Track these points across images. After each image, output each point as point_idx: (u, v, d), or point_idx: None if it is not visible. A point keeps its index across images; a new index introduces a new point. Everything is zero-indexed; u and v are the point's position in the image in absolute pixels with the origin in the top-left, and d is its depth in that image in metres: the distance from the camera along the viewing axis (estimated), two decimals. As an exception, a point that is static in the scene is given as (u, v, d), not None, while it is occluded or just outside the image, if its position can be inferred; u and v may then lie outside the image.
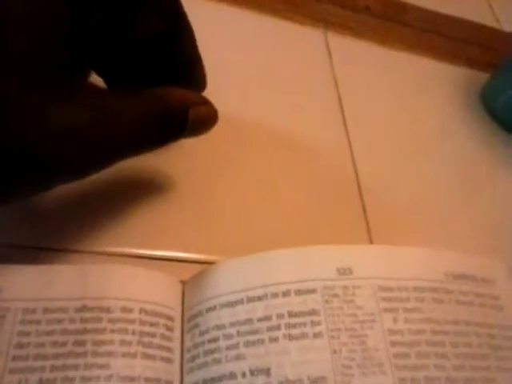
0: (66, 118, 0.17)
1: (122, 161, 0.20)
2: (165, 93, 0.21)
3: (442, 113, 0.37)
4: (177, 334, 0.21)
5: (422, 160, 0.33)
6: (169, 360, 0.20)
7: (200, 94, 0.23)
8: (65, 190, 0.24)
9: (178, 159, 0.28)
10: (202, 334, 0.21)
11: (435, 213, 0.31)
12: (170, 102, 0.21)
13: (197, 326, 0.21)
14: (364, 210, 0.29)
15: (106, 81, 0.23)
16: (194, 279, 0.23)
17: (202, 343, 0.20)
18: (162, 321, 0.21)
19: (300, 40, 0.38)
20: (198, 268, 0.23)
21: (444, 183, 0.33)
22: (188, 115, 0.21)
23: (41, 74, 0.17)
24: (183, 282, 0.23)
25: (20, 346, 0.19)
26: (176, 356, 0.21)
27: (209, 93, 0.31)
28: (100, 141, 0.18)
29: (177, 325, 0.21)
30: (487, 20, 0.45)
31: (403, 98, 0.37)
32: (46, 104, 0.17)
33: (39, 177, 0.18)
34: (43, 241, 0.23)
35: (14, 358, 0.18)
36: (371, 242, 0.28)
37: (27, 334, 0.19)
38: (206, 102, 0.22)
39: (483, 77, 0.39)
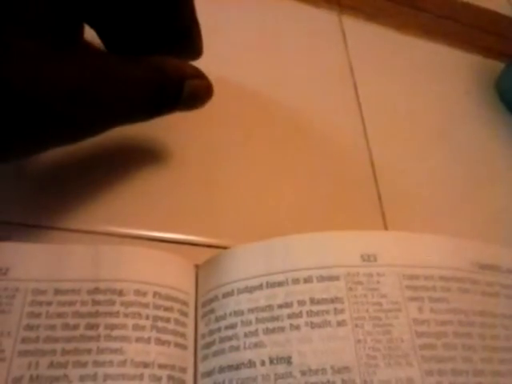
0: (64, 71, 0.16)
1: (114, 127, 0.19)
2: (162, 62, 0.20)
3: (457, 100, 0.36)
4: (191, 319, 0.20)
5: (436, 147, 0.33)
6: (183, 346, 0.20)
7: (196, 67, 0.22)
8: (77, 170, 0.24)
9: (193, 145, 0.27)
10: (217, 319, 0.20)
11: (450, 200, 0.30)
12: (167, 72, 0.20)
13: (212, 311, 0.20)
14: (379, 197, 0.29)
15: (105, 43, 0.22)
16: (208, 263, 0.22)
17: (218, 329, 0.20)
18: (177, 305, 0.20)
19: (314, 22, 0.37)
20: (209, 252, 0.22)
21: (458, 171, 0.32)
22: (183, 87, 0.21)
23: (41, 23, 0.16)
24: (196, 266, 0.22)
25: (30, 327, 0.18)
26: (190, 342, 0.20)
27: (221, 74, 0.30)
28: (97, 101, 0.17)
29: (191, 310, 0.21)
30: (504, 9, 0.44)
31: (418, 84, 0.36)
32: (44, 54, 0.16)
33: (29, 131, 0.16)
34: (55, 220, 0.22)
35: (24, 340, 0.18)
36: (386, 229, 0.27)
37: (37, 315, 0.18)
38: (202, 76, 0.22)
39: (498, 66, 0.39)
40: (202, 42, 0.23)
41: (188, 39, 0.22)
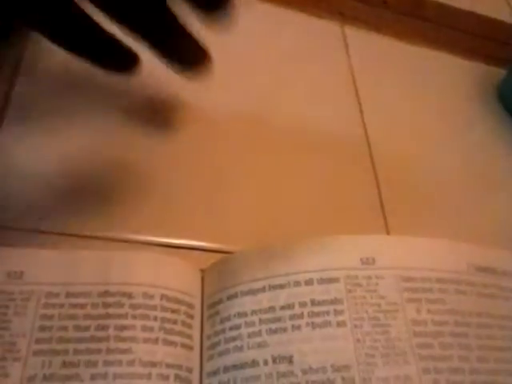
0: None
1: None
2: None
3: (459, 108, 0.37)
4: (197, 321, 0.21)
5: (439, 153, 0.33)
6: (189, 347, 0.20)
7: None
8: (89, 179, 0.25)
9: (199, 153, 0.28)
10: (222, 321, 0.21)
11: (452, 205, 0.31)
12: None
13: (217, 313, 0.21)
14: (381, 201, 0.29)
15: None
16: (213, 267, 0.22)
17: (223, 330, 0.20)
18: (183, 308, 0.21)
19: (317, 33, 0.37)
20: (215, 257, 0.23)
21: (461, 176, 0.33)
22: None
23: None
24: (202, 270, 0.23)
25: (43, 328, 0.19)
26: (196, 343, 0.21)
27: (224, 86, 0.31)
28: None
29: (197, 312, 0.21)
30: (505, 16, 0.44)
31: (420, 92, 0.37)
32: None
33: None
34: (66, 227, 0.23)
35: (38, 341, 0.18)
36: (388, 233, 0.28)
37: (50, 317, 0.19)
38: None
39: (500, 73, 0.39)
40: None
41: None
